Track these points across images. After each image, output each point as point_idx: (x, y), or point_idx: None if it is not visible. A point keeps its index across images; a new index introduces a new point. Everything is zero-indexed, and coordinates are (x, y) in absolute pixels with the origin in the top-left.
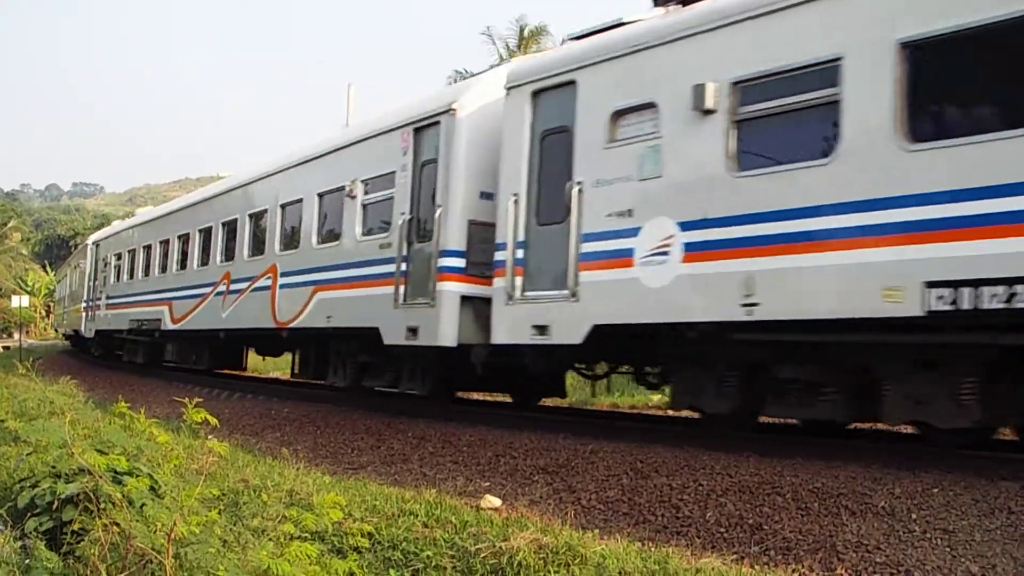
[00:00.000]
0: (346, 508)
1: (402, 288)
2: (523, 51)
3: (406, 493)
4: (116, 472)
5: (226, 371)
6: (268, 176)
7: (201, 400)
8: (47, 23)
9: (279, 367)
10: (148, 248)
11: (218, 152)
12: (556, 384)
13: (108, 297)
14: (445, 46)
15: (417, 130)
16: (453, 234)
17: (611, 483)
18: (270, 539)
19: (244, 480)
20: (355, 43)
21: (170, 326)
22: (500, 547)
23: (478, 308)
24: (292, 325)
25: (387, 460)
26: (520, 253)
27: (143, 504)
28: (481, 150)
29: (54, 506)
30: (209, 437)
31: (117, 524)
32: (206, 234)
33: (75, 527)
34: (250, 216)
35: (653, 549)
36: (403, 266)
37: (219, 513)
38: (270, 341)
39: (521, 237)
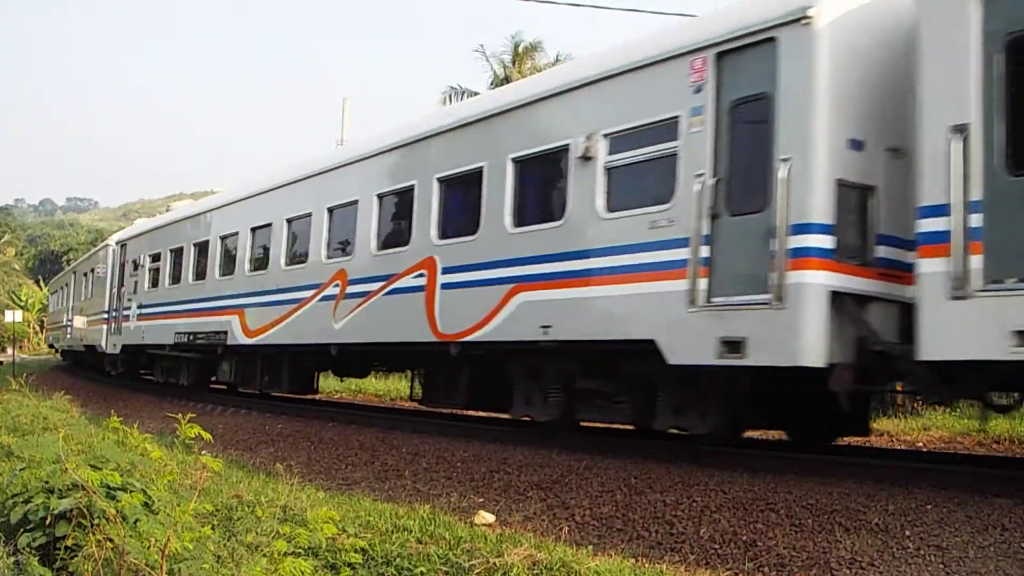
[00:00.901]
0: (340, 524)
1: (703, 282)
2: (518, 67)
3: (400, 509)
4: (110, 487)
5: (295, 396)
6: (410, 144)
7: (194, 415)
8: (41, 38)
9: (390, 390)
10: (203, 245)
11: (211, 167)
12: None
13: (141, 306)
14: (441, 62)
15: (722, 54)
16: (816, 200)
17: (605, 499)
18: (264, 555)
19: (238, 496)
20: (351, 58)
21: (242, 340)
22: (494, 563)
23: (850, 310)
24: (471, 338)
25: (381, 476)
26: (976, 220)
27: (137, 520)
28: (852, 77)
29: (47, 522)
30: (203, 453)
31: (111, 540)
32: (302, 224)
33: (68, 543)
34: (379, 197)
35: (647, 565)
36: (703, 251)
37: (213, 529)
38: (393, 358)
39: (977, 195)
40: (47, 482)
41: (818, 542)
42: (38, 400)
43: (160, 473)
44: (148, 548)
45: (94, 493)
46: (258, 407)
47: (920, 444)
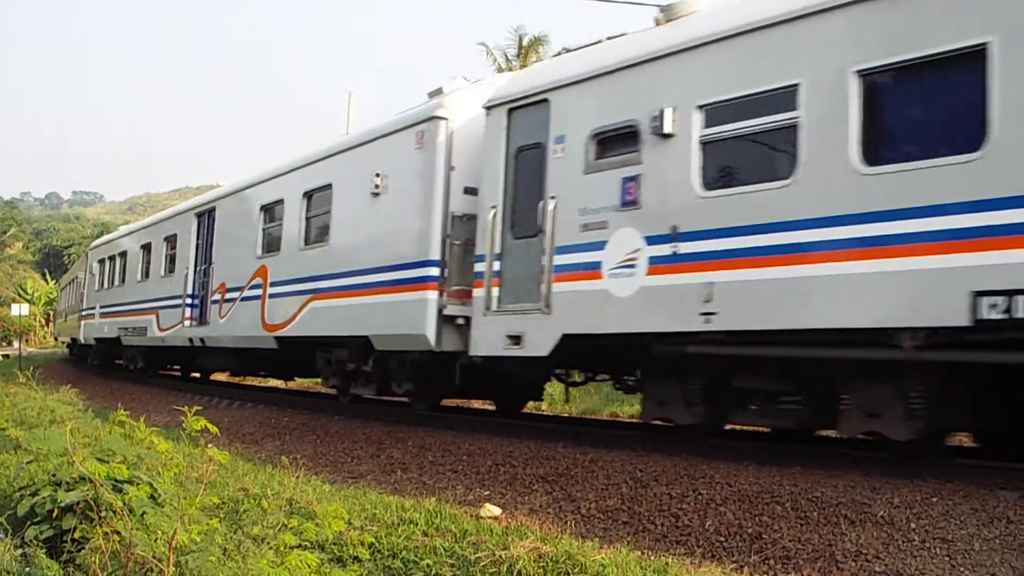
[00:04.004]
0: (346, 517)
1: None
2: (522, 61)
3: (406, 502)
4: (116, 480)
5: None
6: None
7: (200, 408)
8: (46, 32)
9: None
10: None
11: (215, 161)
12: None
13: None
14: (446, 55)
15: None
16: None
17: (611, 492)
18: (270, 548)
19: (244, 488)
20: (355, 52)
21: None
22: (500, 556)
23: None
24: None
25: (387, 469)
26: (497, 265)
27: (143, 512)
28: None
29: (54, 514)
30: (209, 446)
31: (118, 532)
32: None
33: (75, 535)
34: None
35: (653, 558)
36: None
37: (219, 521)
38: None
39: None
40: (54, 475)
41: (823, 535)
42: (45, 393)
43: (166, 466)
44: (155, 541)
45: (101, 486)
46: (264, 400)
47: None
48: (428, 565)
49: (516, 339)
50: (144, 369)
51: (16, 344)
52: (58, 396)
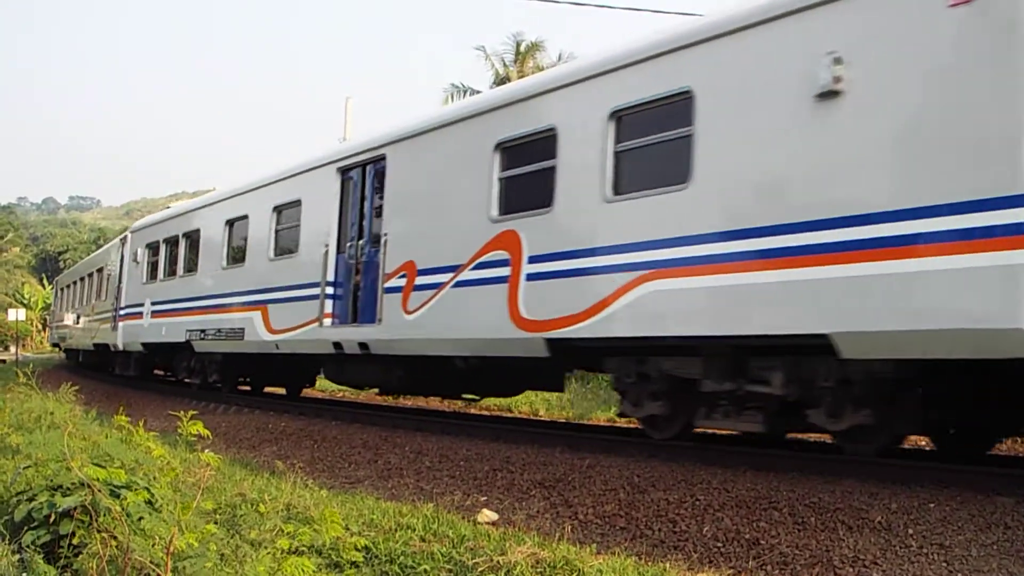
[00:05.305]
0: (343, 522)
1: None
2: (520, 66)
3: (403, 507)
4: (114, 485)
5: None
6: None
7: (197, 413)
8: (43, 36)
9: None
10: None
11: (213, 166)
12: None
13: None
14: (442, 60)
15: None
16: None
17: (608, 497)
18: (268, 553)
19: (242, 493)
20: (352, 57)
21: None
22: (497, 561)
23: None
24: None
25: (384, 474)
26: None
27: (141, 517)
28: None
29: (51, 519)
30: (206, 450)
31: (115, 537)
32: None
33: (73, 540)
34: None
35: (650, 564)
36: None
37: (216, 526)
38: None
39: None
40: (51, 480)
41: (821, 540)
42: (42, 397)
43: (163, 471)
44: (152, 546)
45: (99, 491)
46: (261, 406)
47: (923, 443)
48: (425, 571)
49: None
50: (218, 383)
51: (12, 349)
52: (55, 399)
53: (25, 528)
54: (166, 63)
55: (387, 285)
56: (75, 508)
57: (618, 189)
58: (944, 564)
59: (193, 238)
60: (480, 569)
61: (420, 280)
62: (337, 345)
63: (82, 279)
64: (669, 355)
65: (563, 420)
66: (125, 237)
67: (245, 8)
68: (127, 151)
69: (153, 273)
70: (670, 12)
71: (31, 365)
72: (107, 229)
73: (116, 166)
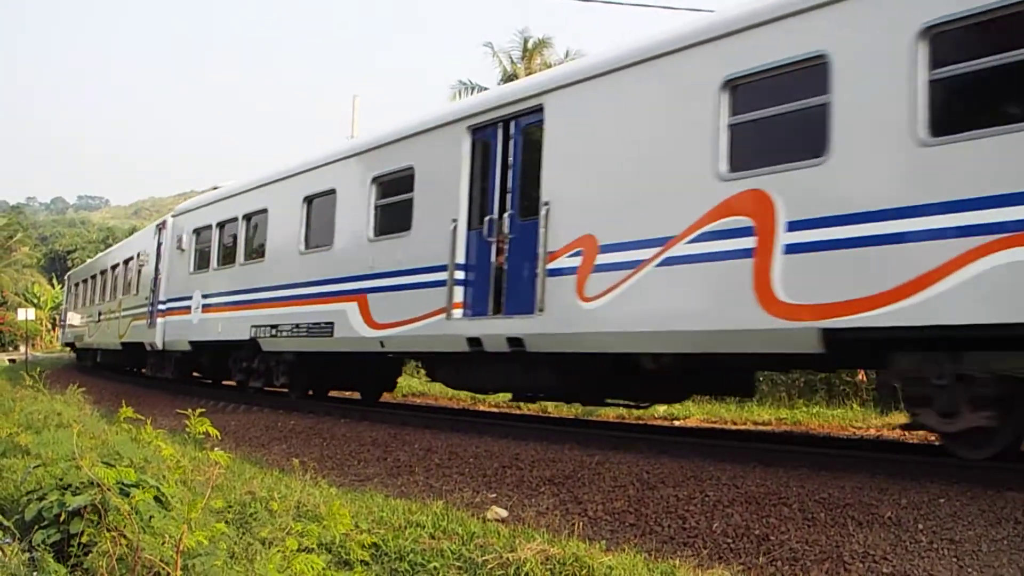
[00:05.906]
0: (353, 519)
1: None
2: (527, 63)
3: (413, 504)
4: (124, 484)
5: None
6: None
7: (206, 411)
8: (51, 38)
9: None
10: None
11: (221, 165)
12: None
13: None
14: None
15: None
16: None
17: (618, 494)
18: (278, 551)
19: (251, 492)
20: (360, 55)
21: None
22: (507, 558)
23: None
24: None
25: (393, 472)
26: None
27: (151, 516)
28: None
29: (61, 518)
30: (215, 448)
31: (125, 536)
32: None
33: (83, 539)
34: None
35: (660, 560)
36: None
37: (226, 524)
38: None
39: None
40: (61, 479)
41: (831, 536)
42: (51, 397)
43: (172, 470)
44: (162, 544)
45: (108, 490)
46: (270, 404)
47: (933, 438)
48: (435, 568)
49: None
50: (289, 387)
51: (22, 348)
52: (64, 399)
53: (35, 527)
54: (165, 63)
55: (551, 266)
56: (85, 507)
57: (940, 128)
58: (954, 559)
59: (258, 219)
60: (490, 566)
61: (603, 259)
62: (474, 341)
63: (102, 272)
64: (999, 349)
65: (572, 417)
66: (163, 223)
67: (245, 8)
68: (128, 151)
69: (204, 261)
70: (679, 8)
71: (38, 368)
72: (116, 228)
73: (120, 166)
